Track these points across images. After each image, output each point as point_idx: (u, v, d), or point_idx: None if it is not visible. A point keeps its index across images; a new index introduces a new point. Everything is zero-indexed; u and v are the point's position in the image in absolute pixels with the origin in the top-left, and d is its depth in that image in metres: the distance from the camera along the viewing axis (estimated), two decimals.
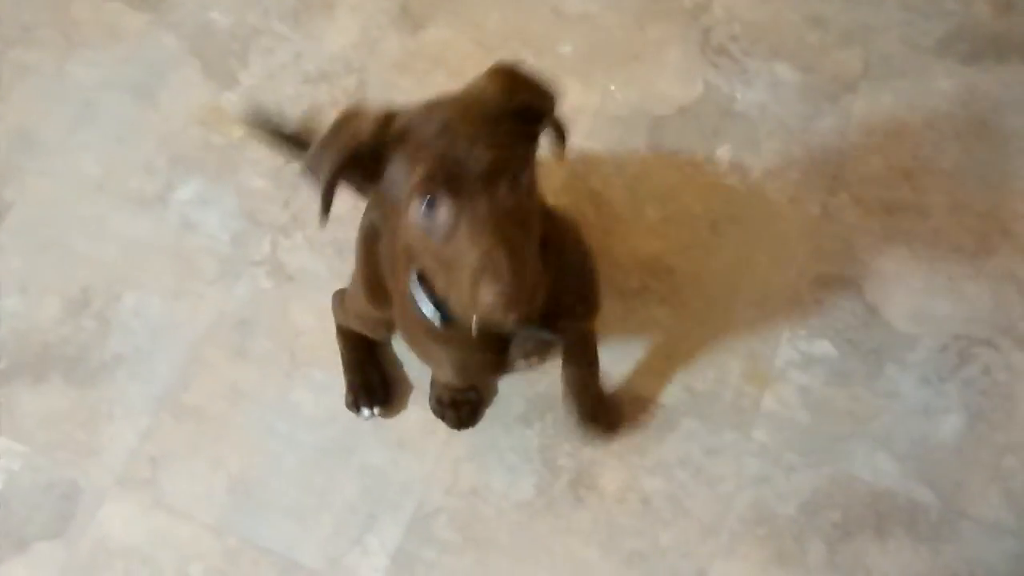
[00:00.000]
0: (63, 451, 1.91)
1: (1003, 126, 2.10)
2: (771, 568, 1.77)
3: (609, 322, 1.94)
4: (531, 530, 1.82)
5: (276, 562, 1.81)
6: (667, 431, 1.88)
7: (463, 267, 1.14)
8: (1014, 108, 2.11)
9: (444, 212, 1.14)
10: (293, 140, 1.70)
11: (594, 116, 2.13)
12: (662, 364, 1.93)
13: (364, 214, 1.71)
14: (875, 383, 1.89)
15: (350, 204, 1.96)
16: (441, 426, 1.88)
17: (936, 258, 1.98)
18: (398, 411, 1.92)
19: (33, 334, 1.99)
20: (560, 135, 1.27)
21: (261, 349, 1.96)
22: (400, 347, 1.94)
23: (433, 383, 1.88)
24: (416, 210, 1.15)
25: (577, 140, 1.94)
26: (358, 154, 1.17)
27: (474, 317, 1.29)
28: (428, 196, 1.14)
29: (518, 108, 1.19)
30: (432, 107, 1.19)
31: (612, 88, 2.16)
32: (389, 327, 1.81)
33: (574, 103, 2.08)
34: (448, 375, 1.57)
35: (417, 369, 1.92)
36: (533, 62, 1.32)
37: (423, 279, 1.37)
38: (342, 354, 1.92)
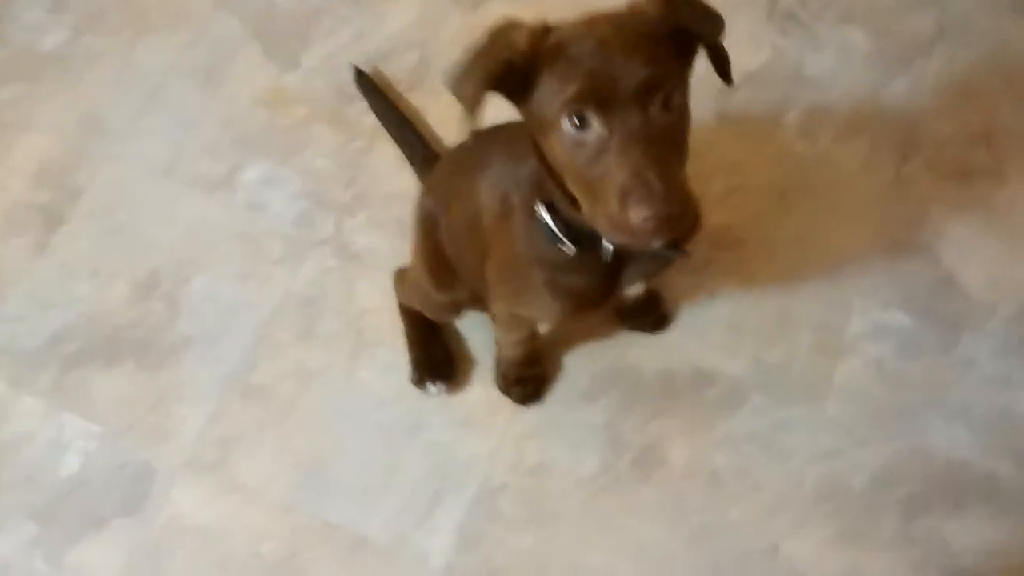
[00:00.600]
0: (135, 432, 1.93)
1: None
2: (844, 542, 1.74)
3: (677, 295, 1.91)
4: (597, 506, 1.81)
5: (344, 539, 1.82)
6: (736, 405, 1.84)
7: (612, 187, 1.12)
8: None
9: (595, 130, 1.12)
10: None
11: None
12: (731, 337, 1.90)
13: (418, 201, 1.72)
14: (951, 353, 1.84)
15: (413, 182, 1.97)
16: (506, 403, 1.88)
17: (1013, 224, 1.91)
18: (463, 388, 1.91)
19: (104, 318, 2.02)
20: (722, 60, 1.23)
21: (327, 329, 1.97)
22: (465, 323, 1.94)
23: (499, 361, 1.88)
24: (566, 128, 1.13)
25: None
26: (511, 65, 1.14)
27: (607, 241, 1.28)
28: (579, 113, 1.12)
29: (675, 29, 1.16)
30: (588, 23, 1.16)
31: None
32: (455, 309, 1.81)
33: None
34: (554, 312, 1.54)
35: (480, 346, 1.93)
36: None
37: (552, 209, 1.33)
38: (406, 331, 1.92)
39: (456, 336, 1.95)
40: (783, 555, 1.75)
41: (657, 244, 1.15)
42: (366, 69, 2.12)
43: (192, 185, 2.10)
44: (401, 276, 1.90)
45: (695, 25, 1.18)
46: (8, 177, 2.14)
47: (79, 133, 2.16)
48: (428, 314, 1.88)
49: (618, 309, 1.89)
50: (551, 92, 1.14)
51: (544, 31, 1.15)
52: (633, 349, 1.91)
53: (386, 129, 2.06)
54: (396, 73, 2.15)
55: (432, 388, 1.89)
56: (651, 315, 1.91)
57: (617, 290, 1.45)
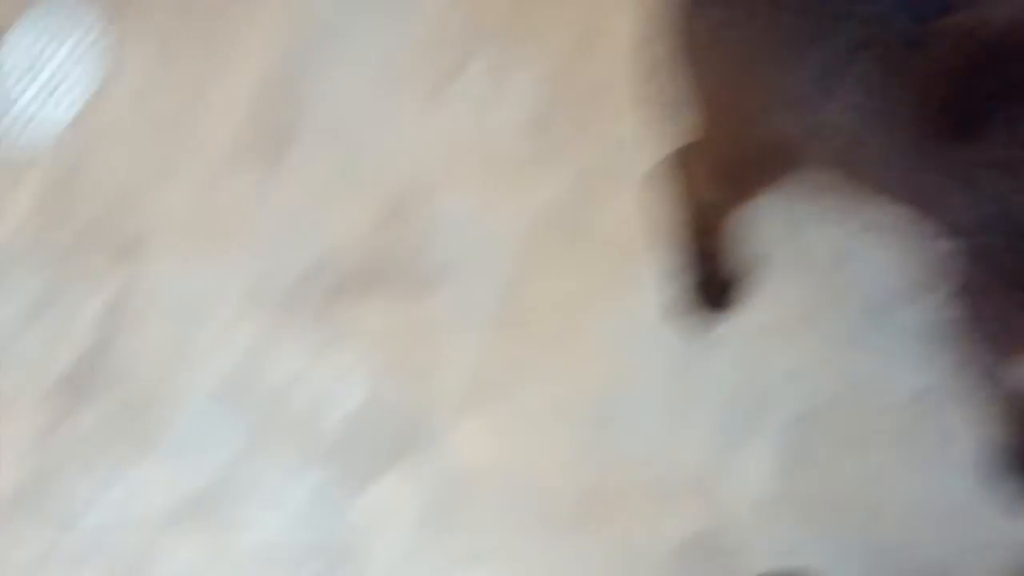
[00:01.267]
0: (407, 368, 1.85)
1: None
2: None
3: None
4: (919, 429, 1.62)
5: (649, 474, 1.69)
6: None
7: None
8: None
9: None
10: None
11: None
12: None
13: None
14: None
15: None
16: (805, 312, 1.67)
17: None
18: (753, 301, 1.71)
19: (353, 247, 1.92)
20: None
21: (590, 244, 1.80)
22: (749, 222, 1.71)
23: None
24: None
25: None
26: None
27: None
28: None
29: None
30: None
31: None
32: (787, 150, 1.27)
33: None
34: None
35: (775, 250, 1.71)
36: None
37: None
38: (680, 243, 1.67)
39: (738, 240, 1.70)
40: None
41: None
42: None
43: (416, 87, 1.95)
44: (681, 159, 1.52)
45: None
46: (229, 95, 2.04)
47: (294, 39, 2.03)
48: (747, 180, 1.48)
49: None
50: None
51: None
52: None
53: None
54: None
55: (715, 304, 1.69)
56: None
57: None
